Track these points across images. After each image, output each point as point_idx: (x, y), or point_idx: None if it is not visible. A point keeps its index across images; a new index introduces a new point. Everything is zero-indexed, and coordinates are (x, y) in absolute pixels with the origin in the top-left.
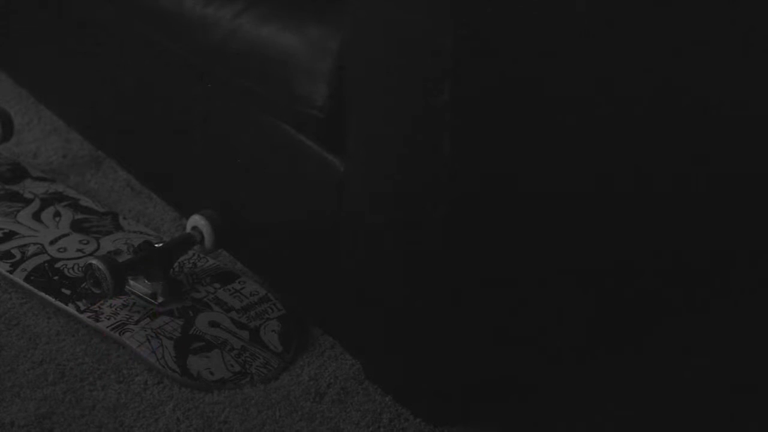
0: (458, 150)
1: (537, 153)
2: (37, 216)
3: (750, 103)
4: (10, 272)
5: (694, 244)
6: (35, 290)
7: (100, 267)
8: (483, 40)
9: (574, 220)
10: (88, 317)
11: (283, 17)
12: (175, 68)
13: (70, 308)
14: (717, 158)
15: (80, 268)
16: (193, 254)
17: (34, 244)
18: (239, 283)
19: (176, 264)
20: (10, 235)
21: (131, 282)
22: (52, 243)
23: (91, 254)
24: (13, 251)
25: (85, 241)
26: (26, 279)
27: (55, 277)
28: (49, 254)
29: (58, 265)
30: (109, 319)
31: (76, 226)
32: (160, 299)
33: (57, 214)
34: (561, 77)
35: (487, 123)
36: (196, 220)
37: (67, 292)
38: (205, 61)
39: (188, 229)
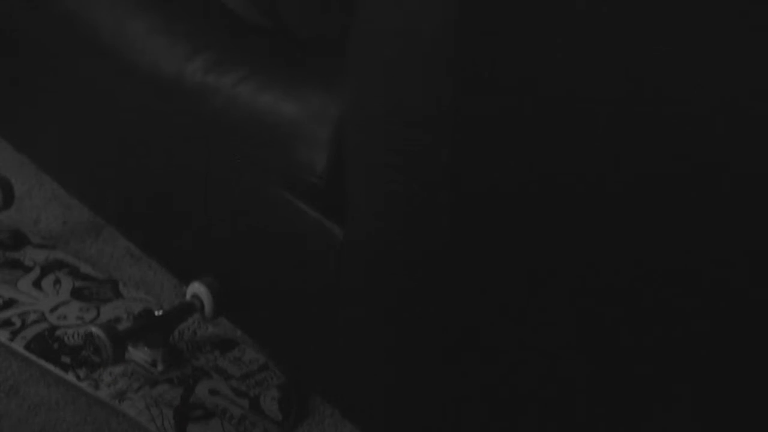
0: (458, 220)
1: (539, 231)
2: (37, 283)
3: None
4: (10, 340)
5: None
6: (35, 358)
7: (100, 335)
8: (482, 107)
9: (572, 297)
10: (88, 385)
11: (283, 85)
12: (175, 135)
13: (70, 376)
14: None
15: (80, 336)
16: (193, 322)
17: (34, 311)
18: (239, 350)
19: (176, 331)
20: (10, 303)
21: (131, 350)
22: (52, 311)
23: (90, 322)
24: (13, 319)
25: (85, 309)
26: (26, 347)
27: (55, 345)
28: (49, 322)
29: (58, 332)
30: (108, 387)
31: (77, 294)
32: (160, 367)
33: (57, 281)
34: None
35: (487, 188)
36: (196, 288)
37: (67, 360)
38: (206, 129)
39: (188, 296)
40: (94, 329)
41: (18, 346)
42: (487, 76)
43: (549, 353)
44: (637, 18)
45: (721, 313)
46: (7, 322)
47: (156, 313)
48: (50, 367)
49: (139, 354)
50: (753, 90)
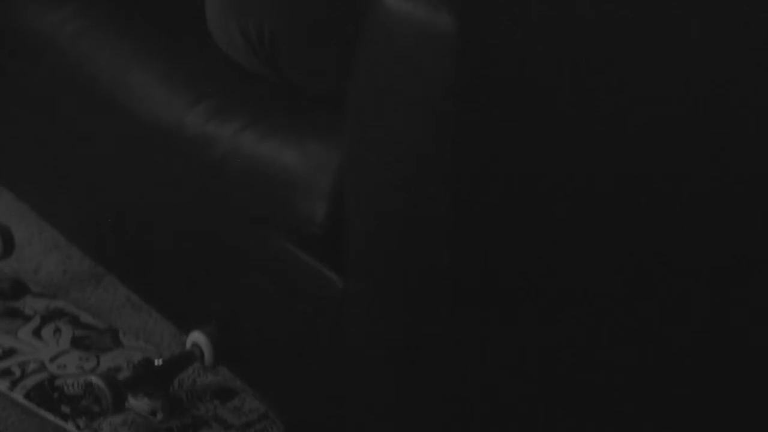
0: (459, 273)
1: (539, 291)
2: (37, 333)
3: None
4: (10, 389)
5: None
6: (35, 408)
7: (100, 384)
8: (482, 160)
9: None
10: None
11: (283, 134)
12: (175, 184)
13: (70, 426)
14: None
15: (80, 386)
16: (193, 371)
17: (34, 361)
18: (239, 399)
19: (176, 381)
20: (10, 353)
21: (131, 399)
22: (52, 360)
23: (91, 371)
24: (13, 368)
25: (85, 358)
26: (26, 396)
27: (55, 395)
28: (49, 371)
29: (58, 382)
30: None
31: (77, 343)
32: (160, 416)
33: (57, 330)
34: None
35: (487, 243)
36: (196, 337)
37: (67, 409)
38: (206, 177)
39: (188, 345)
40: (94, 379)
41: (18, 395)
42: (486, 124)
43: (557, 398)
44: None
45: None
46: (7, 372)
47: (156, 362)
48: (50, 416)
49: (139, 403)
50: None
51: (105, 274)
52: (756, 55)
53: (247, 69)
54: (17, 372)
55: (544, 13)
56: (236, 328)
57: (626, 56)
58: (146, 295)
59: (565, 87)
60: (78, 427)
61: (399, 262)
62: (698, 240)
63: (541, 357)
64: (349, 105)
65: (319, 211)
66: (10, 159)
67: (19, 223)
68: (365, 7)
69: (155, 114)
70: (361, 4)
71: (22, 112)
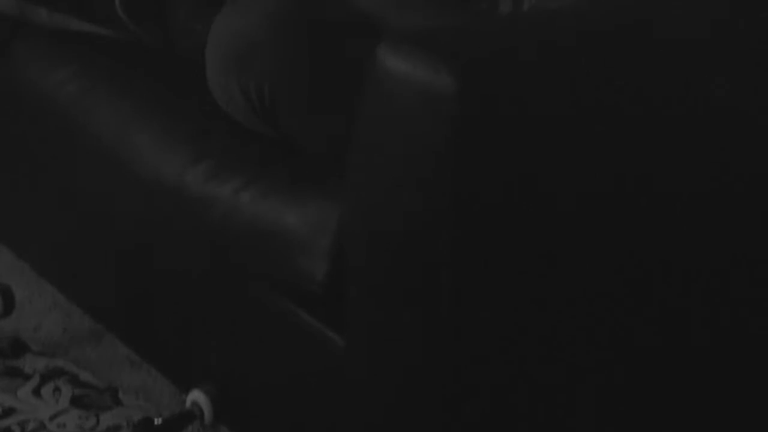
0: (459, 331)
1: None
2: (37, 392)
3: None
4: None
5: None
6: None
7: None
8: (482, 225)
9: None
10: None
11: (283, 194)
12: (175, 242)
13: None
14: None
15: None
16: (193, 430)
17: (34, 420)
18: None
19: None
20: (9, 412)
21: None
22: (51, 419)
23: (90, 430)
24: (13, 428)
25: (84, 417)
26: None
27: None
28: (48, 430)
29: None
30: None
31: (76, 402)
32: None
33: (57, 389)
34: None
35: (487, 304)
36: (196, 395)
37: None
38: (206, 236)
39: (188, 404)
40: None
41: None
42: (486, 184)
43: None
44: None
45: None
46: (7, 431)
47: (156, 421)
48: None
49: None
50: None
51: (105, 333)
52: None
53: (247, 127)
54: (17, 431)
55: (544, 75)
56: (236, 386)
57: (626, 116)
58: (146, 354)
59: (565, 148)
60: None
61: (399, 322)
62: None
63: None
64: (350, 164)
65: (320, 270)
66: (11, 217)
67: (19, 282)
68: (365, 67)
69: (156, 172)
70: (362, 64)
71: (23, 171)
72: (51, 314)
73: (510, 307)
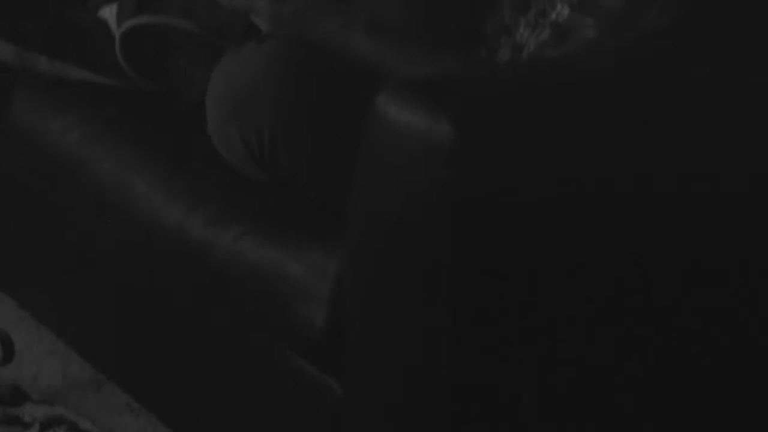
0: (460, 377)
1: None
2: None
3: None
4: None
5: None
6: None
7: None
8: (482, 271)
9: None
10: None
11: (282, 241)
12: (175, 289)
13: None
14: None
15: None
16: None
17: None
18: None
19: None
20: None
21: None
22: None
23: None
24: None
25: None
26: None
27: None
28: None
29: None
30: None
31: None
32: None
33: None
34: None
35: (488, 347)
36: None
37: None
38: (206, 283)
39: None
40: None
41: None
42: (486, 232)
43: None
44: None
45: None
46: None
47: None
48: None
49: None
50: None
51: (104, 380)
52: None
53: (246, 175)
54: None
55: (542, 123)
56: None
57: (625, 162)
58: (146, 401)
59: (564, 195)
60: None
61: (398, 370)
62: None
63: None
64: (349, 212)
65: (319, 317)
66: (11, 265)
67: (19, 329)
68: (365, 114)
69: (156, 219)
70: (361, 112)
71: (24, 219)
72: (51, 361)
73: (512, 364)
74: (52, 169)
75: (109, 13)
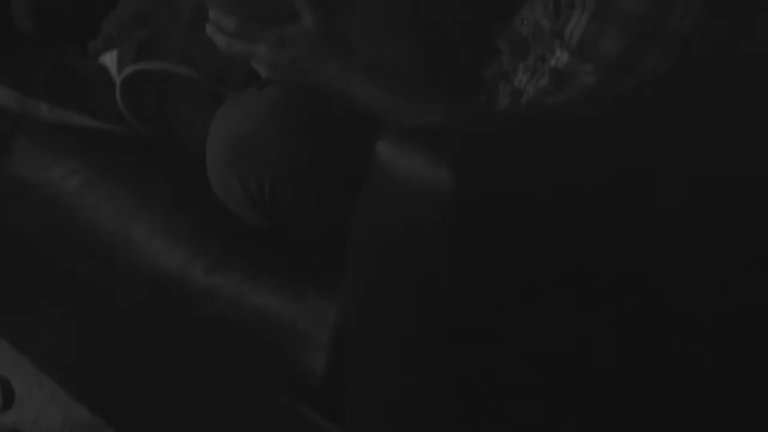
0: (462, 422)
1: None
2: None
3: None
4: None
5: None
6: None
7: None
8: (482, 319)
9: None
10: None
11: (282, 287)
12: (175, 336)
13: None
14: None
15: None
16: None
17: None
18: None
19: None
20: None
21: None
22: None
23: None
24: None
25: None
26: None
27: None
28: None
29: None
30: None
31: None
32: None
33: None
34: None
35: (489, 395)
36: None
37: None
38: (206, 330)
39: None
40: None
41: None
42: (485, 280)
43: None
44: None
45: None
46: None
47: None
48: None
49: None
50: None
51: (104, 426)
52: None
53: (246, 221)
54: None
55: (541, 170)
56: None
57: (625, 213)
58: None
59: (563, 245)
60: None
61: (399, 415)
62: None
63: None
64: (349, 258)
65: (319, 364)
66: (11, 311)
67: (19, 375)
68: (365, 161)
69: (156, 266)
70: (361, 158)
71: (24, 265)
72: (50, 408)
73: (515, 406)
74: (52, 214)
75: (110, 59)
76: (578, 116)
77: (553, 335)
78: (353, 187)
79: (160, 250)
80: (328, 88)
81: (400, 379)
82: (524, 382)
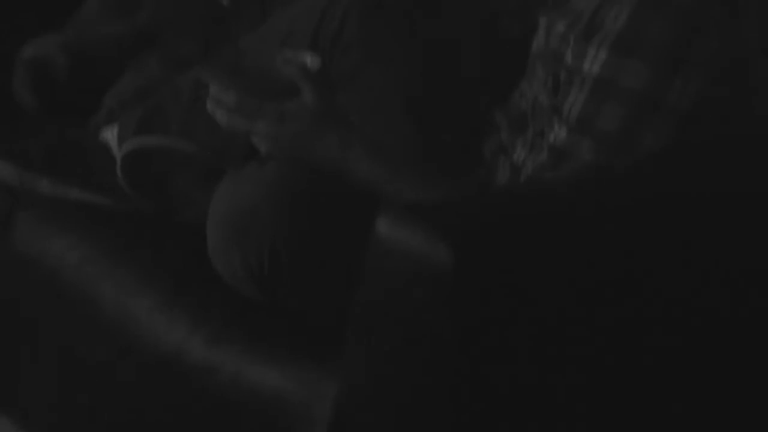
0: None
1: None
2: None
3: None
4: None
5: None
6: None
7: None
8: (483, 398)
9: None
10: None
11: (281, 363)
12: (174, 411)
13: None
14: None
15: None
16: None
17: None
18: None
19: None
20: None
21: None
22: None
23: None
24: None
25: None
26: None
27: None
28: None
29: None
30: None
31: None
32: None
33: None
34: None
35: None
36: None
37: None
38: (205, 405)
39: None
40: None
41: None
42: (485, 357)
43: None
44: None
45: None
46: None
47: None
48: None
49: None
50: None
51: None
52: None
53: (246, 296)
54: None
55: (541, 247)
56: None
57: (623, 289)
58: None
59: (562, 320)
60: None
61: None
62: None
63: None
64: (349, 333)
65: None
66: (11, 386)
67: None
68: (365, 238)
69: (155, 341)
70: (361, 235)
71: (24, 340)
72: None
73: None
74: (51, 289)
75: (110, 134)
76: (576, 193)
77: (552, 399)
78: (353, 263)
79: (160, 324)
80: (327, 163)
81: None
82: None
